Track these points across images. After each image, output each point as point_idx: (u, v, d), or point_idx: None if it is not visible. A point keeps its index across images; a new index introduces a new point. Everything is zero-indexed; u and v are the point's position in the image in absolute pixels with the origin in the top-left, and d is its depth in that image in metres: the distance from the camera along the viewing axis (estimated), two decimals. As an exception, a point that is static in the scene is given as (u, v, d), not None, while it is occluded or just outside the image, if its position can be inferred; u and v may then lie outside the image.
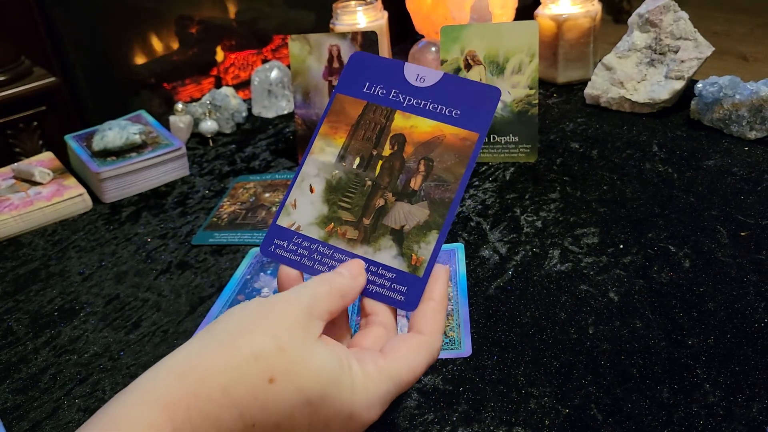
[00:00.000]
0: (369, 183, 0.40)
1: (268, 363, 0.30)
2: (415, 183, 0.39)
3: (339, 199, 0.40)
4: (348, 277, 0.36)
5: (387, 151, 0.40)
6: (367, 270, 0.38)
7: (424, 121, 0.40)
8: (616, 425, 0.40)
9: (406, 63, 0.42)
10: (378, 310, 0.37)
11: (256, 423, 0.30)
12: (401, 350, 0.34)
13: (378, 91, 0.42)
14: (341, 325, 0.38)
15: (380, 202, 0.39)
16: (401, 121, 0.41)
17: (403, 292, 0.37)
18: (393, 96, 0.41)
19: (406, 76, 0.41)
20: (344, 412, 0.32)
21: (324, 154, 0.41)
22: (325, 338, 0.34)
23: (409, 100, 0.41)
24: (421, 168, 0.39)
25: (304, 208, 0.40)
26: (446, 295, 0.37)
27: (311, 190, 0.40)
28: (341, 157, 0.41)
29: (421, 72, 0.41)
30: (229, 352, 0.30)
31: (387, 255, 0.38)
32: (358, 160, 0.40)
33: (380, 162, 0.40)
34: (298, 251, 0.39)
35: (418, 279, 0.37)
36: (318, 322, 0.33)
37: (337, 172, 0.40)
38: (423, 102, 0.41)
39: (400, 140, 0.40)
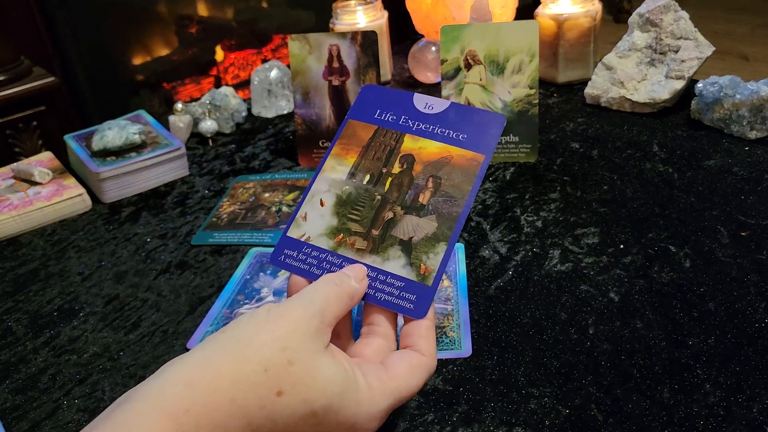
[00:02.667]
0: (378, 197, 0.41)
1: (276, 375, 0.31)
2: (424, 198, 0.40)
3: (348, 211, 0.41)
4: (354, 279, 0.37)
5: (396, 169, 0.42)
6: (376, 279, 0.39)
7: (432, 143, 0.42)
8: (616, 425, 0.39)
9: (415, 93, 0.44)
10: (380, 320, 0.38)
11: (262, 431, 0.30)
12: (402, 367, 0.35)
13: (388, 117, 0.44)
14: (345, 331, 0.39)
15: (389, 214, 0.40)
16: (410, 143, 0.43)
17: (411, 300, 0.38)
18: (403, 122, 0.44)
19: (416, 104, 0.44)
20: (348, 423, 0.33)
21: (335, 172, 0.43)
22: (332, 349, 0.34)
23: (418, 125, 0.43)
24: (430, 184, 0.41)
25: (314, 220, 0.41)
26: (434, 312, 0.38)
27: (322, 204, 0.42)
28: (352, 175, 0.42)
29: (429, 101, 0.44)
30: (238, 363, 0.31)
31: (395, 264, 0.39)
32: (368, 177, 0.42)
33: (390, 179, 0.42)
34: (308, 260, 0.40)
35: (427, 288, 0.38)
36: (327, 329, 0.34)
37: (347, 187, 0.42)
38: (431, 127, 0.43)
39: (409, 160, 0.42)
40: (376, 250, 0.39)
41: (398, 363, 0.35)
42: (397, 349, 0.38)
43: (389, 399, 0.34)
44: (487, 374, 0.44)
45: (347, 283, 0.36)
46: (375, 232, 0.40)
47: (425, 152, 0.42)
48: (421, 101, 0.43)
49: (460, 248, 0.58)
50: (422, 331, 0.37)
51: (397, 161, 0.42)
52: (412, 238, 0.39)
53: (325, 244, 0.40)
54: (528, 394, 0.42)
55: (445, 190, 0.40)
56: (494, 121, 0.41)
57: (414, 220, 0.40)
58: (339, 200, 0.41)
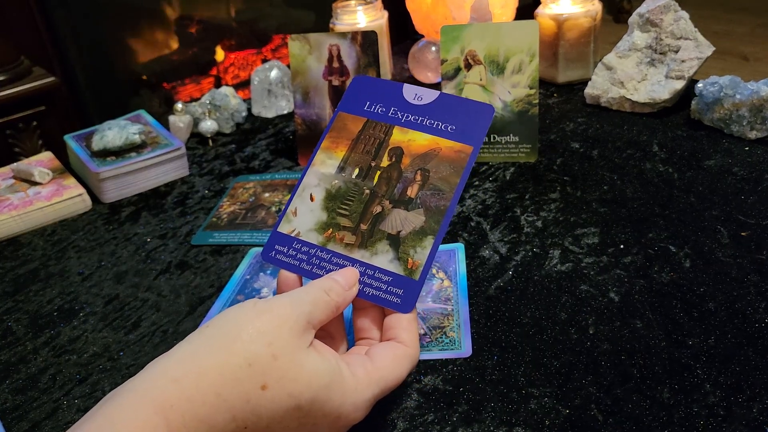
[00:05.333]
0: (367, 191, 0.41)
1: (261, 370, 0.31)
2: (412, 191, 0.40)
3: (338, 206, 0.41)
4: (343, 286, 0.37)
5: (385, 162, 0.42)
6: (364, 273, 0.39)
7: (421, 135, 0.42)
8: (616, 425, 0.39)
9: (405, 84, 0.44)
10: (368, 325, 0.39)
11: (248, 425, 0.31)
12: (387, 358, 0.36)
13: (378, 109, 0.44)
14: (338, 333, 0.39)
15: (377, 209, 0.40)
16: (399, 136, 0.42)
17: (399, 294, 0.38)
18: (392, 113, 0.43)
19: (405, 95, 0.44)
20: (333, 414, 0.33)
21: (325, 166, 0.43)
22: (316, 344, 0.34)
23: (407, 117, 0.43)
24: (418, 177, 0.41)
25: (304, 215, 0.41)
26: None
27: (311, 199, 0.42)
28: (341, 168, 0.42)
29: (419, 92, 0.43)
30: (224, 358, 0.31)
31: (383, 259, 0.39)
32: (357, 171, 0.42)
33: (378, 172, 0.42)
34: (298, 256, 0.40)
35: (414, 282, 0.38)
36: (312, 331, 0.34)
37: (336, 181, 0.42)
38: (420, 118, 0.43)
39: (397, 152, 0.42)
40: (365, 244, 0.39)
41: (383, 353, 0.36)
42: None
43: (374, 389, 0.35)
44: (487, 374, 0.44)
45: (336, 292, 0.36)
46: (364, 227, 0.40)
47: (414, 144, 0.41)
48: (411, 92, 0.43)
49: (460, 248, 0.58)
50: (404, 323, 0.37)
51: (386, 154, 0.42)
52: (400, 232, 0.39)
53: (315, 239, 0.40)
54: (528, 394, 0.42)
55: (433, 183, 0.40)
56: (483, 112, 0.41)
57: (402, 213, 0.40)
58: (328, 195, 0.41)
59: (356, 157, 0.42)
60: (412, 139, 0.42)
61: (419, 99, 0.43)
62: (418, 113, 0.42)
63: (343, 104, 0.44)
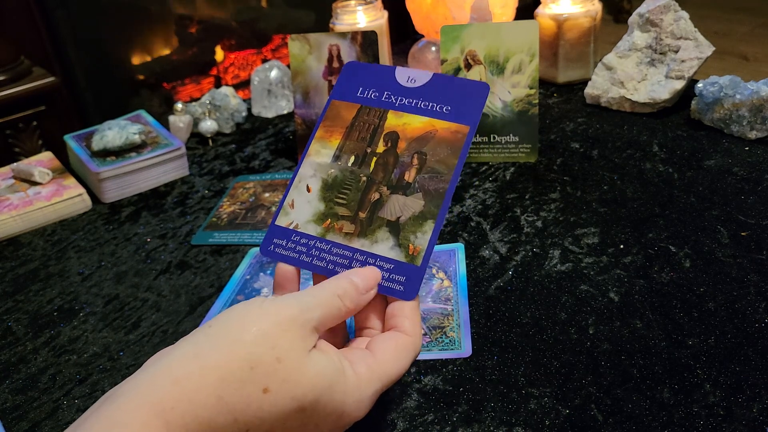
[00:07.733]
0: (364, 178, 0.40)
1: (264, 373, 0.30)
2: (410, 176, 0.40)
3: (335, 195, 0.40)
4: (360, 291, 0.36)
5: (381, 148, 0.41)
6: (365, 263, 0.38)
7: (416, 118, 0.41)
8: (616, 425, 0.39)
9: (397, 67, 0.43)
10: (371, 318, 0.38)
11: (249, 428, 0.30)
12: (389, 351, 0.35)
13: (371, 94, 0.43)
14: (338, 328, 0.39)
15: (375, 196, 0.40)
16: (394, 120, 0.42)
17: (401, 281, 0.37)
18: (385, 98, 0.43)
19: (398, 78, 0.43)
20: (336, 413, 0.32)
21: (320, 156, 0.42)
22: (319, 342, 0.34)
23: (401, 100, 0.42)
24: (415, 161, 0.40)
25: (301, 207, 0.41)
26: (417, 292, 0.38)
27: (308, 190, 0.41)
28: (336, 157, 0.42)
29: (411, 74, 0.43)
30: (226, 359, 0.30)
31: (384, 246, 0.38)
32: (352, 159, 0.41)
33: (374, 159, 0.41)
34: (297, 248, 0.39)
35: (417, 268, 0.38)
36: (317, 335, 0.34)
37: (332, 170, 0.41)
38: (414, 101, 0.42)
39: (393, 137, 0.41)
40: (364, 233, 0.39)
41: (385, 346, 0.35)
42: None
43: (377, 384, 0.34)
44: (487, 374, 0.44)
45: (350, 297, 0.35)
46: (362, 215, 0.39)
47: (409, 128, 0.41)
48: (404, 75, 0.43)
49: (460, 248, 0.58)
50: (407, 311, 0.37)
51: (381, 140, 0.41)
52: (399, 218, 0.39)
53: (313, 230, 0.40)
54: (528, 394, 0.42)
55: (430, 165, 0.39)
56: (477, 90, 0.41)
57: (401, 199, 0.39)
58: (325, 184, 0.41)
59: (351, 145, 0.42)
60: (407, 123, 0.41)
61: (413, 81, 0.42)
62: (412, 96, 0.42)
63: (336, 92, 0.44)
